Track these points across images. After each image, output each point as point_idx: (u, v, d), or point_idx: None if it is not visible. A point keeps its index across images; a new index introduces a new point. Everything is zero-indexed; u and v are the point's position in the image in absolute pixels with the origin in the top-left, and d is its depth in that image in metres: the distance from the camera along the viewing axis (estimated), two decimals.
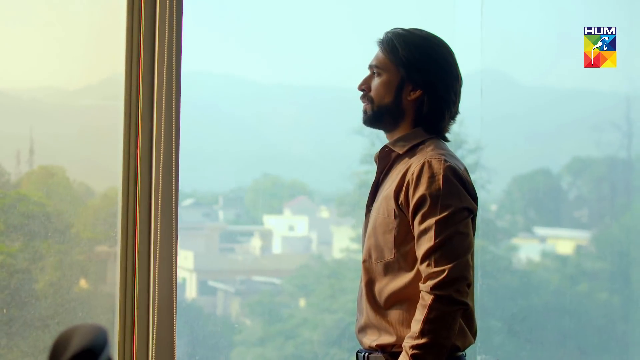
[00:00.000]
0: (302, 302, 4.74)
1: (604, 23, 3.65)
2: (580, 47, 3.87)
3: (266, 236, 4.86)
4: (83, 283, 3.36)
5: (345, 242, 4.70)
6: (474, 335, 2.46)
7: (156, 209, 3.11)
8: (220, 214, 4.90)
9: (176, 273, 3.12)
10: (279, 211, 4.94)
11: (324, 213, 4.95)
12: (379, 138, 4.55)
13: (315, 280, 4.75)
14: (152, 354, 3.12)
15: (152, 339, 3.12)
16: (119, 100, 3.32)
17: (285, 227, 4.88)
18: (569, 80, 4.76)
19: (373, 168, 4.68)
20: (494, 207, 4.82)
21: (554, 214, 5.02)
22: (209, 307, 4.69)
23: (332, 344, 4.52)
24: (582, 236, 4.90)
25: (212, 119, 4.65)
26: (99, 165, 3.46)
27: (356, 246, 4.67)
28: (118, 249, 3.16)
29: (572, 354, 4.61)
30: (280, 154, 4.93)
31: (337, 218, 4.89)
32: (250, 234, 4.87)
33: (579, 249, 4.89)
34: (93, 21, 3.39)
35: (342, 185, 4.83)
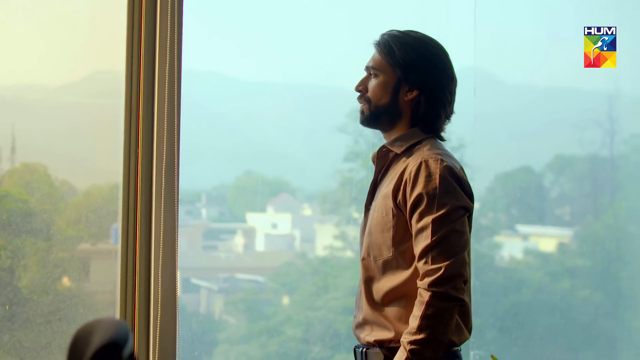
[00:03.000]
0: (285, 300, 4.74)
1: (593, 23, 3.67)
2: (567, 46, 3.89)
3: (249, 234, 4.85)
4: (66, 281, 3.35)
5: (329, 239, 4.70)
6: (470, 331, 2.52)
7: (158, 205, 3.13)
8: (203, 212, 4.88)
9: (177, 269, 3.14)
10: (262, 209, 4.93)
11: (307, 211, 4.95)
12: (363, 136, 4.57)
13: (298, 277, 4.75)
14: (152, 351, 3.13)
15: (156, 334, 3.13)
16: (102, 98, 3.31)
17: (268, 224, 4.87)
18: (553, 78, 4.77)
19: (356, 165, 4.69)
20: (476, 205, 4.83)
21: (536, 212, 5.04)
22: (192, 305, 4.68)
23: (316, 342, 4.52)
24: (565, 234, 4.92)
25: (194, 116, 4.64)
26: (81, 163, 3.45)
27: (339, 244, 4.68)
28: (119, 245, 3.17)
29: (560, 350, 4.63)
30: (263, 151, 4.93)
31: (321, 216, 4.88)
32: (233, 232, 4.86)
33: (561, 246, 4.91)
34: (76, 17, 3.37)
35: (326, 182, 4.83)
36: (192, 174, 4.81)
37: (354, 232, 4.63)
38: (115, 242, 3.38)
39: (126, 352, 1.76)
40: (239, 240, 4.85)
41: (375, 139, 4.38)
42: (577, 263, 4.88)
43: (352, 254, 4.67)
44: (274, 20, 4.50)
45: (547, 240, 4.89)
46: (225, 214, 4.91)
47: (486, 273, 4.66)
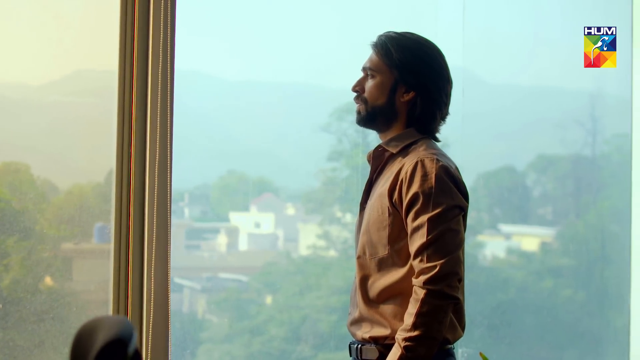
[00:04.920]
0: (268, 299, 4.73)
1: (580, 23, 3.68)
2: (551, 46, 3.89)
3: (232, 233, 4.84)
4: (49, 280, 3.33)
5: (312, 239, 4.70)
6: (463, 328, 2.58)
7: (150, 204, 3.14)
8: (186, 211, 4.87)
9: (169, 268, 3.16)
10: (245, 208, 4.92)
11: (290, 210, 4.94)
12: (346, 135, 4.57)
13: (282, 277, 4.74)
14: (145, 349, 3.13)
15: (148, 332, 3.14)
16: (85, 97, 3.31)
17: (252, 224, 4.86)
18: (535, 79, 4.79)
19: (339, 165, 4.68)
20: None
21: (519, 211, 5.05)
22: (175, 304, 4.67)
23: (299, 341, 4.52)
24: (547, 233, 4.94)
25: (177, 116, 4.62)
26: (63, 162, 3.44)
27: (323, 243, 4.67)
28: (111, 244, 3.18)
29: (547, 348, 4.65)
30: (246, 150, 4.92)
31: (304, 215, 4.88)
32: (216, 231, 4.85)
33: (544, 245, 4.92)
34: (57, 16, 3.36)
35: (309, 182, 4.83)
36: (175, 173, 4.80)
37: (337, 231, 4.64)
38: (98, 242, 3.37)
39: (131, 348, 1.77)
40: (222, 240, 4.84)
41: (358, 138, 4.38)
42: (560, 262, 4.90)
43: (335, 253, 4.68)
44: (258, 19, 4.49)
45: (530, 239, 4.91)
46: (208, 213, 4.90)
47: (469, 272, 4.67)
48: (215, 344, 4.52)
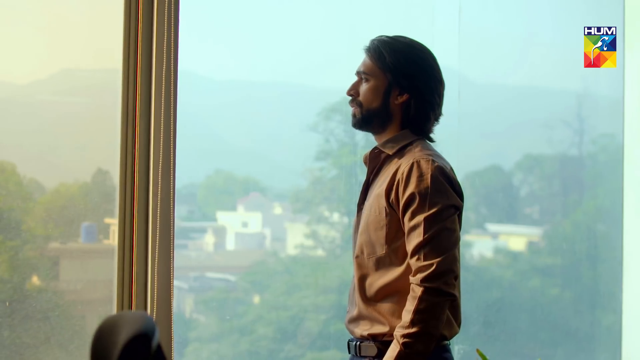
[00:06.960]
0: (256, 299, 4.74)
1: (573, 24, 3.70)
2: (541, 47, 3.90)
3: (219, 232, 4.84)
4: (35, 280, 3.33)
5: (300, 238, 4.71)
6: (459, 325, 2.64)
7: (154, 203, 3.15)
8: None
9: (173, 267, 3.17)
10: (232, 207, 4.92)
11: (278, 209, 4.94)
12: (333, 135, 4.57)
13: (269, 276, 4.75)
14: None
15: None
16: (72, 96, 3.30)
17: (239, 223, 4.87)
18: (523, 79, 4.81)
19: (327, 164, 4.68)
20: None
21: (505, 211, 5.07)
22: None
23: (287, 340, 4.52)
24: (534, 232, 4.96)
25: None
26: (50, 161, 3.44)
27: (310, 242, 4.68)
28: (115, 243, 3.19)
29: (538, 347, 4.67)
30: (233, 150, 4.91)
31: (291, 214, 4.88)
32: (203, 231, 4.85)
33: (530, 245, 4.94)
34: (47, 14, 3.36)
35: (296, 181, 4.84)
36: None
37: (324, 230, 4.64)
38: (85, 241, 3.36)
39: (154, 343, 1.77)
40: (209, 239, 4.84)
41: (346, 138, 4.38)
42: (547, 261, 4.92)
43: (323, 252, 4.68)
44: (245, 18, 4.49)
45: (517, 238, 4.92)
46: (195, 212, 4.89)
47: None
48: (203, 343, 4.51)
